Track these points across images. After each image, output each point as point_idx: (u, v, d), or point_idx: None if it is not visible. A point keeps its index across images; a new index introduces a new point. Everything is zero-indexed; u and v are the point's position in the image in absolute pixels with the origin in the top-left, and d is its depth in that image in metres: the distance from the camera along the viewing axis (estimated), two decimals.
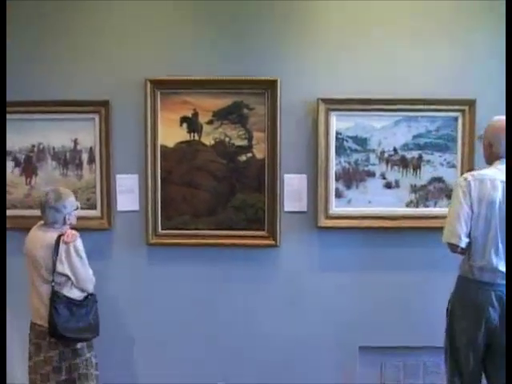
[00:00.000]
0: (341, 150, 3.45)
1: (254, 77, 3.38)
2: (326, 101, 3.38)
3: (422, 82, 3.40)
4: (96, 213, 3.49)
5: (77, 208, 3.01)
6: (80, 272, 2.90)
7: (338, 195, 3.46)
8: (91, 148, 3.47)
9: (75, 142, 3.48)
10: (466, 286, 2.74)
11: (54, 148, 3.50)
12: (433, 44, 3.41)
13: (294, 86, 3.41)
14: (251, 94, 3.42)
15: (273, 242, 3.45)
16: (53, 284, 2.85)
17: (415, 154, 3.46)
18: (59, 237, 2.86)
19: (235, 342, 3.54)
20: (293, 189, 3.45)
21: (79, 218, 3.20)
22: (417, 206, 3.46)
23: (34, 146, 3.52)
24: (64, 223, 2.93)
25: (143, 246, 3.51)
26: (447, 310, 2.84)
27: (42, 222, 3.00)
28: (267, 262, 3.51)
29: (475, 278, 2.68)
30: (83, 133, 3.46)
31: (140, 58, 3.45)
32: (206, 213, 3.47)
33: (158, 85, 3.41)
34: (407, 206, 3.46)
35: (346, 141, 3.44)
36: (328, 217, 3.45)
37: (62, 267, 2.85)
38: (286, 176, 3.46)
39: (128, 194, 3.46)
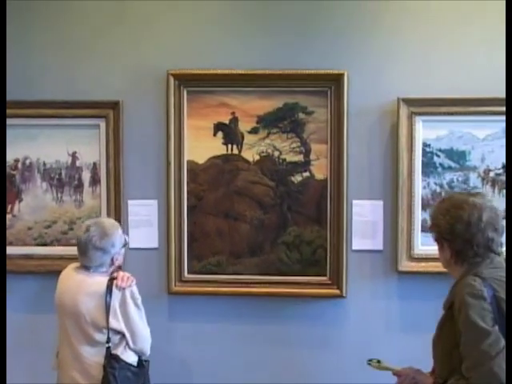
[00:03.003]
0: (429, 167, 3.27)
1: (312, 70, 3.23)
2: (408, 101, 3.21)
3: None
4: None
5: (125, 244, 2.89)
6: (139, 328, 2.78)
7: (426, 229, 3.07)
8: (95, 164, 3.37)
9: (74, 155, 3.37)
10: None
11: (44, 164, 3.39)
12: None
13: (365, 83, 3.26)
14: (309, 92, 3.27)
15: (337, 292, 3.30)
16: (109, 345, 2.72)
17: None
18: (111, 282, 2.74)
19: None
20: (364, 220, 3.32)
21: (75, 259, 2.99)
22: None
23: (17, 161, 3.42)
24: (111, 265, 2.84)
25: (163, 296, 3.38)
26: None
27: (76, 264, 2.89)
28: (329, 318, 3.35)
29: None
30: (85, 144, 3.37)
31: (161, 45, 3.34)
32: (249, 252, 3.35)
33: (185, 80, 3.29)
34: None
35: (437, 155, 3.26)
36: (412, 258, 3.27)
37: (117, 322, 2.72)
38: (356, 203, 3.31)
39: (144, 226, 3.37)
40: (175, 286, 3.34)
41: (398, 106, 3.19)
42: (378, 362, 2.52)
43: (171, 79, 3.26)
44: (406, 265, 3.24)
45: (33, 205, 3.38)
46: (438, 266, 3.02)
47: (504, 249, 2.21)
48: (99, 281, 2.75)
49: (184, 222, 3.33)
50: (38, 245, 3.37)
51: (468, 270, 2.13)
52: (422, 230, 3.24)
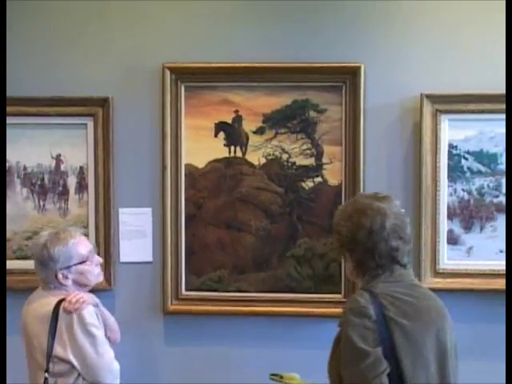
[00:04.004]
0: (456, 171, 3.18)
1: (325, 63, 3.15)
2: (433, 98, 3.12)
3: None
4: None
5: (84, 260, 2.73)
6: (90, 357, 2.62)
7: (453, 241, 3.20)
8: (82, 168, 3.31)
9: (58, 159, 3.31)
10: None
11: (25, 168, 3.33)
12: None
13: (384, 77, 3.19)
14: (321, 88, 3.20)
15: None
16: (46, 375, 2.60)
17: None
18: (59, 303, 2.63)
19: None
20: None
21: None
22: None
23: None
24: (60, 284, 2.69)
25: (158, 316, 3.31)
26: None
27: None
28: None
29: None
30: (70, 146, 3.31)
31: (155, 35, 3.28)
32: (254, 266, 3.29)
33: (182, 74, 3.23)
34: None
35: (465, 158, 3.17)
36: (437, 274, 3.20)
37: (63, 350, 2.60)
38: None
39: (137, 237, 3.31)
40: (171, 304, 3.26)
41: (420, 102, 3.12)
42: (281, 377, 2.58)
43: (167, 73, 3.20)
44: (430, 281, 3.15)
45: (12, 213, 3.30)
46: (467, 283, 3.17)
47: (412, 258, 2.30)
48: (49, 301, 2.65)
49: (181, 232, 3.28)
50: (17, 258, 3.30)
51: (366, 283, 2.11)
52: (449, 242, 3.20)
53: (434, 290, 2.95)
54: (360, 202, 2.17)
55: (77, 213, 3.30)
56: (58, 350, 2.59)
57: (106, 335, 2.73)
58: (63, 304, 2.61)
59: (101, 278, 2.85)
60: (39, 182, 3.30)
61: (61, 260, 2.67)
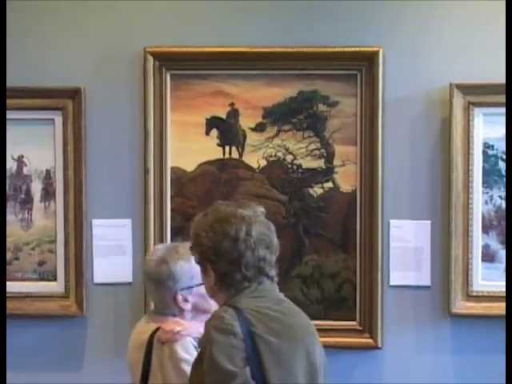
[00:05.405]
0: (493, 175, 3.08)
1: (336, 47, 3.04)
2: (465, 88, 2.99)
3: None
4: (56, 287, 3.16)
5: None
6: None
7: (489, 258, 3.10)
8: (48, 172, 3.20)
9: (20, 160, 3.22)
10: None
11: None
12: None
13: (407, 63, 3.08)
14: (332, 77, 3.09)
15: (370, 341, 3.10)
16: None
17: None
18: (155, 331, 2.51)
19: None
20: (406, 246, 3.14)
21: (21, 297, 3.04)
22: None
23: None
24: (176, 306, 2.54)
25: None
26: None
27: None
28: (360, 375, 3.15)
29: None
30: (35, 145, 3.20)
31: (136, 14, 3.14)
32: None
33: (168, 61, 3.12)
34: None
35: (503, 160, 3.06)
36: (470, 297, 3.08)
37: None
38: (394, 223, 3.12)
39: (114, 254, 3.19)
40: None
41: (450, 94, 2.97)
42: None
43: (150, 59, 3.06)
44: (461, 306, 3.04)
45: None
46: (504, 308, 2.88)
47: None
48: (148, 328, 2.53)
49: None
50: None
51: (230, 297, 2.09)
52: (484, 260, 3.08)
53: (466, 316, 3.04)
54: (221, 210, 2.17)
55: (42, 224, 3.14)
56: None
57: None
58: (158, 333, 2.48)
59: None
60: None
61: (183, 278, 2.52)
